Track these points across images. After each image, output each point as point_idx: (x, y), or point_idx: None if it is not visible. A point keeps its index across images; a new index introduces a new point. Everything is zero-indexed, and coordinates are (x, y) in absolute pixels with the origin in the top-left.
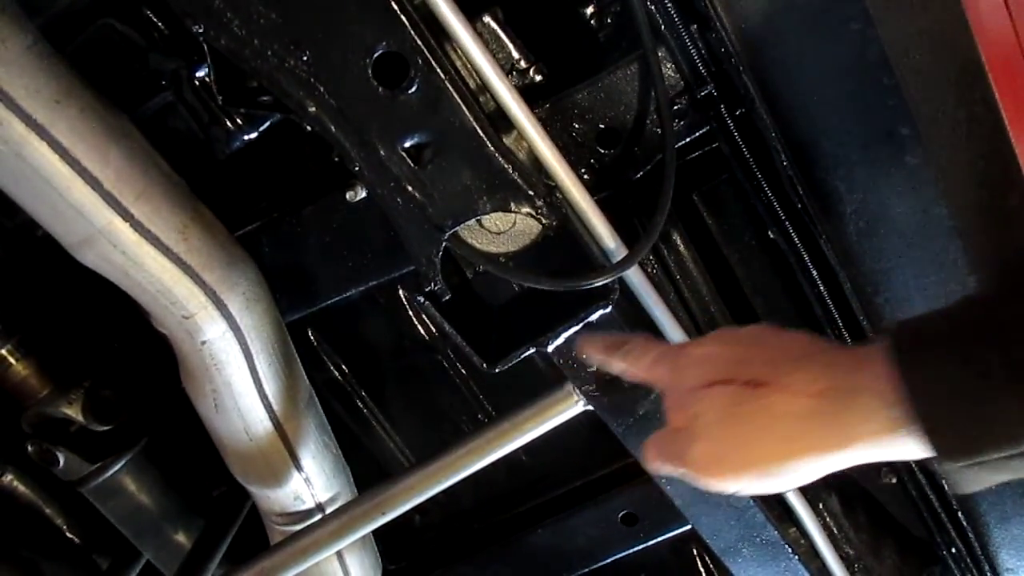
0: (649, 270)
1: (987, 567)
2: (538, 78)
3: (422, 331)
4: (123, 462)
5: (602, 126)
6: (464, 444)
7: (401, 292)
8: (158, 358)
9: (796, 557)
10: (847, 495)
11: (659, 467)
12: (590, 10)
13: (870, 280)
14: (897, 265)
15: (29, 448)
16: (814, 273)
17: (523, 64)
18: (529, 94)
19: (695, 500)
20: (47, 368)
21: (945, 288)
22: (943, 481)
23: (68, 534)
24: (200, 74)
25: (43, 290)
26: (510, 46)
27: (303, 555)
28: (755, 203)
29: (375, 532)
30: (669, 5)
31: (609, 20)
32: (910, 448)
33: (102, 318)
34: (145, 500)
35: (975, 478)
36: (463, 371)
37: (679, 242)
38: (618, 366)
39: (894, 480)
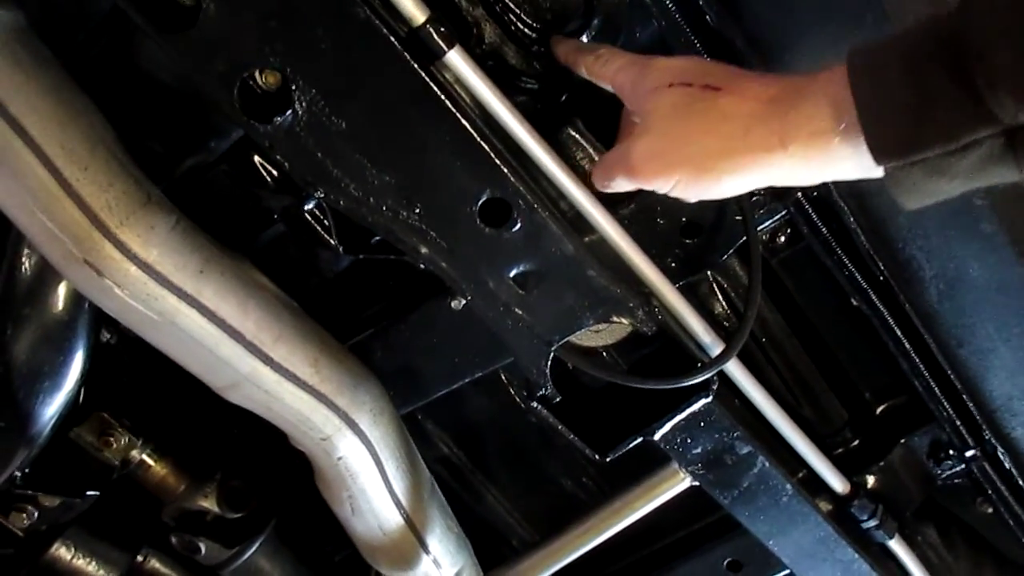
0: None
1: None
2: None
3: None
4: (257, 544)
5: (684, 219)
6: (580, 524)
7: (503, 376)
8: (276, 445)
9: None
10: (945, 525)
11: (605, 176)
12: None
13: (953, 335)
14: (978, 320)
15: (173, 540)
16: (898, 332)
17: None
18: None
19: (801, 557)
20: (182, 465)
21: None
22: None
23: None
24: (310, 206)
25: (170, 392)
26: (592, 153)
27: None
28: (836, 275)
29: None
30: None
31: None
32: (848, 159)
33: (223, 410)
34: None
35: (916, 188)
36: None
37: (765, 310)
38: (586, 69)
39: (990, 510)
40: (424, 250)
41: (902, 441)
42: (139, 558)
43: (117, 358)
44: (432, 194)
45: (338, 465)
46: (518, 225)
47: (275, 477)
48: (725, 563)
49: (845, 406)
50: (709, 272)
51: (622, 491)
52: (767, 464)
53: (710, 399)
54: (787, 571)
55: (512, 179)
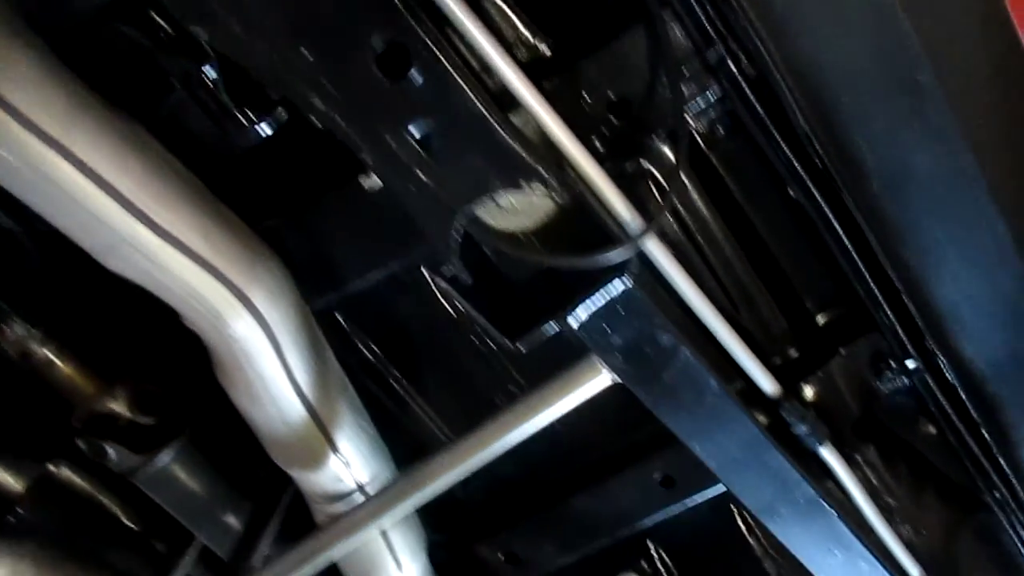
0: (671, 236)
1: None
2: (547, 52)
3: (450, 310)
4: (170, 452)
5: (613, 96)
6: (494, 421)
7: (425, 272)
8: (194, 351)
9: (836, 514)
10: (886, 447)
11: None
12: None
13: (895, 232)
14: (923, 216)
15: (80, 444)
16: (839, 229)
17: (530, 38)
18: (537, 68)
19: (727, 462)
20: (91, 367)
21: (972, 233)
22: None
23: (126, 522)
24: (212, 74)
25: (79, 291)
26: (516, 21)
27: (347, 535)
28: (774, 163)
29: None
30: None
31: None
32: None
33: (138, 314)
34: (195, 487)
35: None
36: (493, 346)
37: (701, 206)
38: None
39: (933, 430)
40: (320, 104)
41: (841, 351)
42: (50, 467)
43: (18, 246)
44: (323, 38)
45: (233, 348)
46: (420, 77)
47: (194, 384)
48: (658, 478)
49: (785, 316)
50: (641, 161)
51: (539, 386)
52: (690, 357)
53: (628, 282)
54: (721, 486)
55: (411, 21)
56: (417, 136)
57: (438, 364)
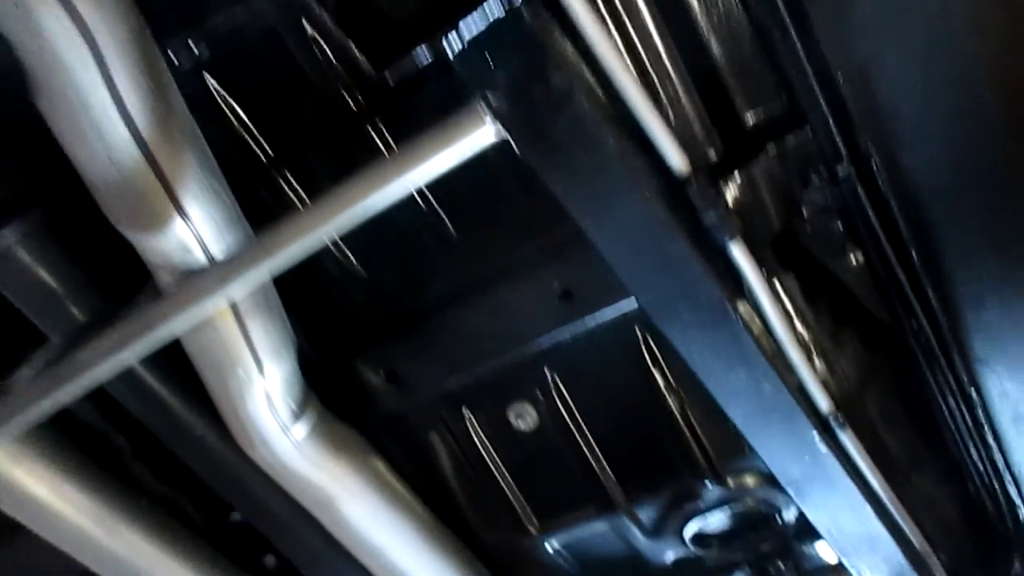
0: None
1: (957, 357)
2: None
3: (318, 55)
4: (14, 232)
5: None
6: (361, 175)
7: (306, 24)
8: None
9: (740, 321)
10: (807, 277)
11: None
12: None
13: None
14: None
15: None
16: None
17: None
18: None
19: (623, 248)
20: None
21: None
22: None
23: None
24: None
25: None
26: None
27: (187, 305)
28: None
29: (296, 316)
30: None
31: None
32: None
33: None
34: (44, 276)
35: None
36: (363, 102)
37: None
38: None
39: (861, 258)
40: None
41: (768, 149)
42: None
43: None
44: None
45: (42, 51)
46: None
47: (51, 160)
48: (556, 291)
49: (711, 113)
50: None
51: (412, 138)
52: (585, 104)
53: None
54: (624, 303)
55: None
56: None
57: (313, 133)
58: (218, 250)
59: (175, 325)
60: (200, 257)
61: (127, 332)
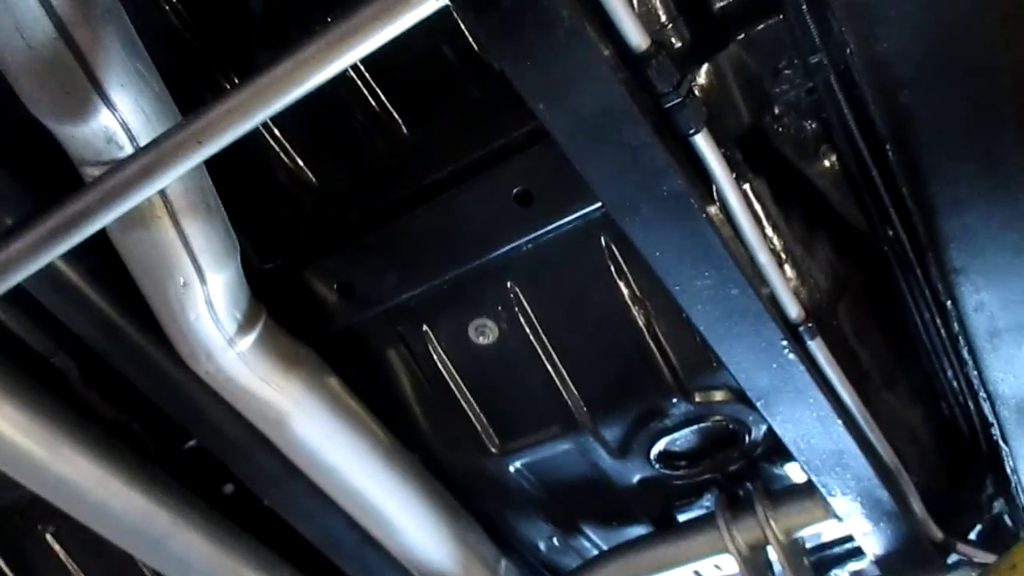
0: None
1: (933, 266)
2: None
3: None
4: None
5: None
6: (296, 49)
7: None
8: None
9: (703, 216)
10: (780, 182)
11: None
12: None
13: None
14: None
15: None
16: None
17: None
18: None
19: (578, 132)
20: None
21: None
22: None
23: None
24: None
25: None
26: None
27: (111, 198)
28: None
29: (243, 227)
30: None
31: None
32: None
33: None
34: None
35: None
36: None
37: None
38: None
39: (835, 160)
40: None
41: (739, 38)
42: None
43: None
44: None
45: None
46: None
47: None
48: (513, 194)
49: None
50: None
51: (349, 7)
52: None
53: None
54: (587, 208)
55: None
56: None
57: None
58: (147, 140)
59: (100, 218)
60: (127, 147)
61: (49, 227)
